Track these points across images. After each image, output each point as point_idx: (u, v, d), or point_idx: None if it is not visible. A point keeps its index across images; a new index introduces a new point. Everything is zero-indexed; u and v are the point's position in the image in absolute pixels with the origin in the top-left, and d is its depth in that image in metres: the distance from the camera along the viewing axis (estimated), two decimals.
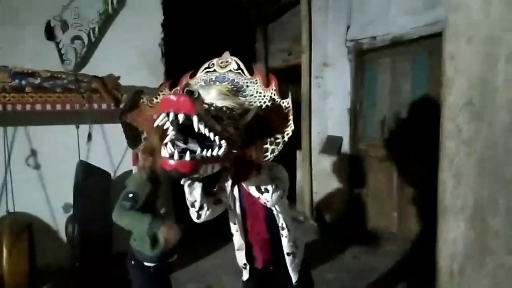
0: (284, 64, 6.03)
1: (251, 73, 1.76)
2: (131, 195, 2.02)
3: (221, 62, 1.84)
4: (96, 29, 3.65)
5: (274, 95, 1.66)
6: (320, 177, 5.12)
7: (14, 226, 3.16)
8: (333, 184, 4.95)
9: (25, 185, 3.61)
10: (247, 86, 1.73)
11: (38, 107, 3.26)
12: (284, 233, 1.95)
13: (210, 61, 1.86)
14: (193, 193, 1.68)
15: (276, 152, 1.58)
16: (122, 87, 3.47)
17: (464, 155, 0.99)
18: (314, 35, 5.04)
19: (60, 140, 3.63)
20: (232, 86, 1.71)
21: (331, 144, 5.04)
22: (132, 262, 2.23)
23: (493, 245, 0.97)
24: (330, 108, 5.07)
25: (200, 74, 1.85)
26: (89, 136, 3.39)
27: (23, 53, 3.47)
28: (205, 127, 1.28)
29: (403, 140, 4.10)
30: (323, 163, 5.06)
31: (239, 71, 1.78)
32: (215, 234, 3.76)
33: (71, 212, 3.52)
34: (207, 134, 1.31)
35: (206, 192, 1.74)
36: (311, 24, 5.03)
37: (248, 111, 1.57)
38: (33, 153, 3.72)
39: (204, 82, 1.79)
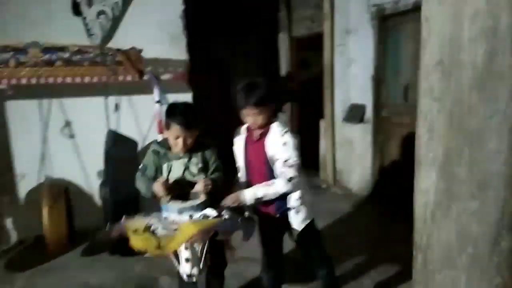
0: (308, 33, 5.98)
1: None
2: (141, 165, 2.28)
3: None
4: (119, 4, 3.78)
5: None
6: (343, 146, 5.17)
7: (52, 189, 3.47)
8: (356, 152, 5.00)
9: (62, 153, 3.91)
10: None
11: (68, 80, 3.48)
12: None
13: None
14: None
15: None
16: (145, 60, 3.62)
17: (436, 111, 1.06)
18: (337, 1, 4.98)
19: (92, 111, 3.86)
20: None
21: (354, 112, 5.05)
22: None
23: (458, 192, 1.05)
24: (353, 76, 5.05)
25: None
26: (116, 107, 3.60)
27: (53, 28, 3.69)
28: None
29: None
30: (346, 132, 5.10)
31: None
32: None
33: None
34: None
35: None
36: None
37: None
38: (68, 123, 3.99)
39: None
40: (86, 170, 4.06)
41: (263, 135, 2.17)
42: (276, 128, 2.15)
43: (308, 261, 2.42)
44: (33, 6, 3.68)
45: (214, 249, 2.12)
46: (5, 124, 3.86)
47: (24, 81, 3.40)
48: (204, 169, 2.26)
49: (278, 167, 2.10)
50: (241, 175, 2.36)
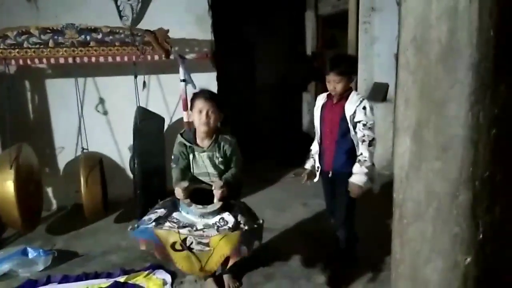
0: (334, 11, 5.99)
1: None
2: (172, 156, 2.57)
3: None
4: None
5: None
6: None
7: (88, 160, 3.77)
8: (379, 130, 5.02)
9: (96, 129, 4.21)
10: None
11: (101, 59, 3.72)
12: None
13: None
14: None
15: None
16: (172, 40, 3.80)
17: (411, 83, 1.18)
18: None
19: (123, 89, 4.10)
20: None
21: (377, 91, 5.09)
22: None
23: (426, 154, 1.18)
24: (377, 54, 5.07)
25: None
26: (144, 84, 3.82)
27: (88, 11, 3.94)
28: None
29: None
30: None
31: None
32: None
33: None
34: None
35: None
36: None
37: None
38: (101, 101, 4.28)
39: None
40: (118, 144, 4.36)
41: (342, 99, 2.56)
42: (354, 95, 2.56)
43: (340, 217, 2.73)
44: None
45: None
46: (46, 101, 4.19)
47: (62, 60, 3.67)
48: (224, 162, 2.51)
49: (359, 129, 2.47)
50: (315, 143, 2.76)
